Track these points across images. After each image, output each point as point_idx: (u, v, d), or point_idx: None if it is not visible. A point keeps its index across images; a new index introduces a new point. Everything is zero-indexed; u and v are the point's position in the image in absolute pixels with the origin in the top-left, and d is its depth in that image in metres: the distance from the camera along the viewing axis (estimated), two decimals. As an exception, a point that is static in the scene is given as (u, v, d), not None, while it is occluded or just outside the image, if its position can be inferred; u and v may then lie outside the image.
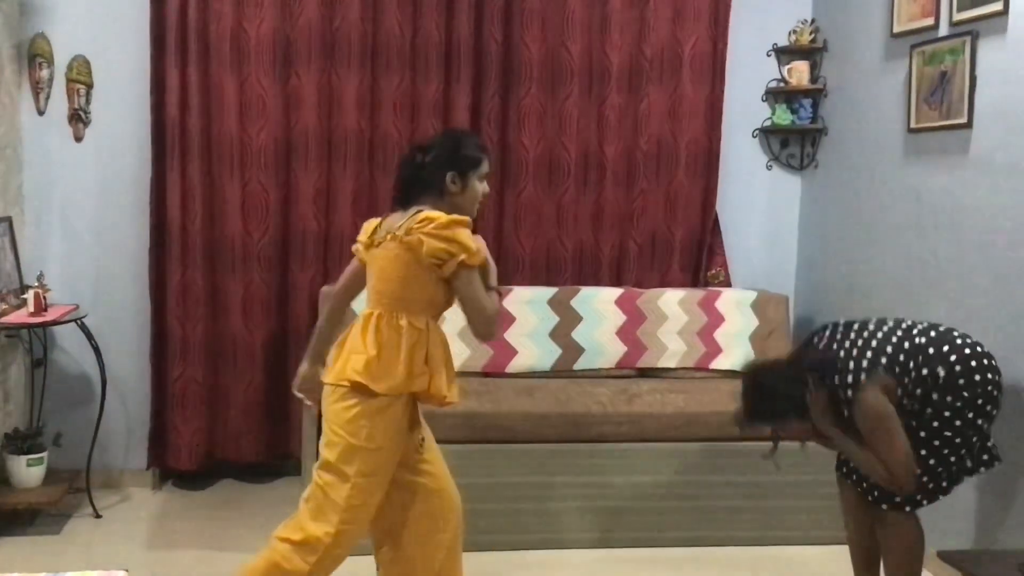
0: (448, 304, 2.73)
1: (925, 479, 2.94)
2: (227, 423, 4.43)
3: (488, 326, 2.68)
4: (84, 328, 4.10)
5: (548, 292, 4.47)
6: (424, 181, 2.71)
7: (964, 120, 3.64)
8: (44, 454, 4.07)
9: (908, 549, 3.03)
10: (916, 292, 3.96)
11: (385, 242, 2.68)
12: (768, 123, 4.85)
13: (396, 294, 2.67)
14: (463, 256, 2.58)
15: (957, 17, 3.69)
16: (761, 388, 3.00)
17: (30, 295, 3.91)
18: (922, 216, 3.94)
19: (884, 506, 3.00)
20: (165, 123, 4.28)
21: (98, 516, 4.10)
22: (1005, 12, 3.43)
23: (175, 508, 4.28)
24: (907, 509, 2.99)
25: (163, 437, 4.42)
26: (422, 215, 2.62)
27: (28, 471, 4.00)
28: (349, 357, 2.65)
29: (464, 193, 2.73)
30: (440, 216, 2.60)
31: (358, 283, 2.89)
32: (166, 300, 4.35)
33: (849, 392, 2.92)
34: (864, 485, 3.09)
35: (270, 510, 4.19)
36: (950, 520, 3.70)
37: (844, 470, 3.21)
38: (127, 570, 2.47)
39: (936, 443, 2.91)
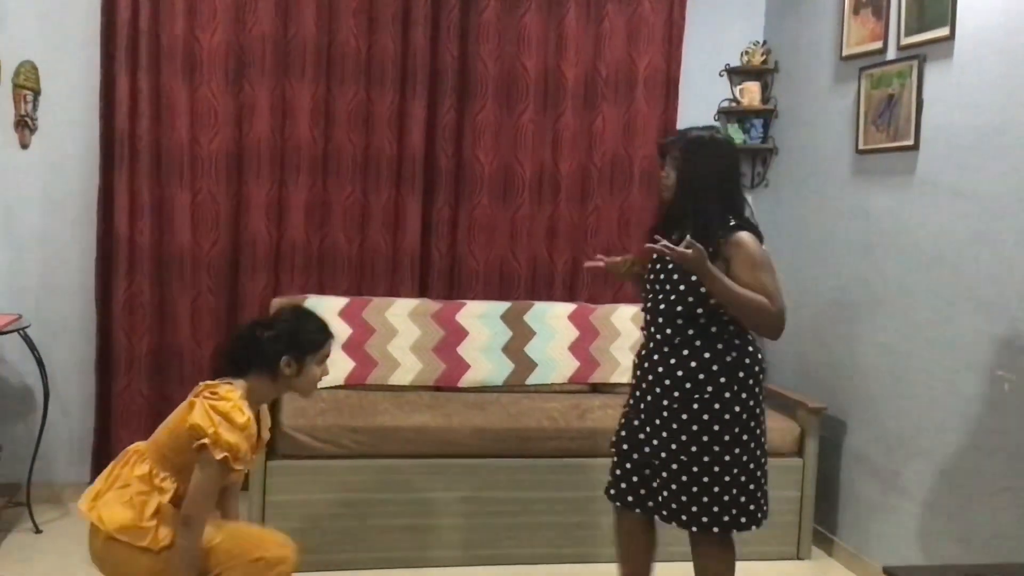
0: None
1: (737, 493, 2.84)
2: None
3: (192, 513, 2.47)
4: (27, 338, 3.99)
5: (501, 306, 4.45)
6: (259, 358, 2.58)
7: (911, 142, 3.70)
8: (-18, 467, 3.96)
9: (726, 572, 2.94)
10: (862, 310, 4.01)
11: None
12: (720, 142, 4.88)
13: (160, 441, 2.59)
14: (207, 440, 2.42)
15: (905, 41, 3.75)
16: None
17: (-30, 304, 3.81)
18: (869, 235, 3.99)
19: (694, 528, 2.85)
20: (114, 131, 4.20)
21: (38, 531, 3.99)
22: (952, 37, 3.50)
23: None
24: (715, 530, 2.85)
25: (107, 451, 4.31)
26: (219, 387, 2.50)
27: (-35, 485, 3.90)
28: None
29: (299, 376, 2.61)
30: (229, 399, 2.47)
31: None
32: (112, 311, 4.26)
33: (721, 234, 2.79)
34: (664, 513, 2.90)
35: (216, 525, 4.12)
36: (895, 536, 3.74)
37: (630, 498, 2.98)
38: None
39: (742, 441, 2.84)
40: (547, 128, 4.62)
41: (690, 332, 2.83)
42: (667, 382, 2.84)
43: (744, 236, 2.80)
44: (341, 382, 4.19)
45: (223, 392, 2.50)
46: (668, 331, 2.85)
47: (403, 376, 4.27)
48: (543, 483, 3.86)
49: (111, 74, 4.18)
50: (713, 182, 2.82)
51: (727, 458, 2.82)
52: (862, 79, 4.00)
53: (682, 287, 2.82)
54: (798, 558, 4.05)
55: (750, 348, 2.87)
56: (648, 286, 2.95)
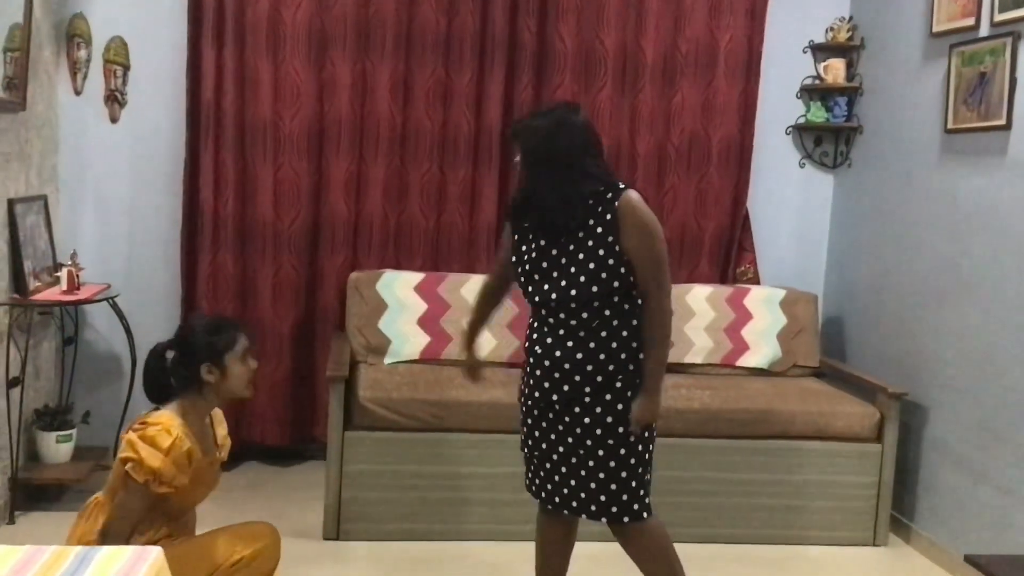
0: (163, 515, 2.55)
1: (645, 475, 2.78)
2: (253, 406, 4.43)
3: (110, 530, 2.47)
4: (115, 307, 4.12)
5: (576, 284, 4.44)
6: (178, 377, 2.58)
7: (1003, 122, 3.58)
8: (73, 431, 4.10)
9: (666, 551, 2.84)
10: (948, 295, 3.92)
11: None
12: (802, 120, 4.80)
13: (112, 486, 2.57)
14: (130, 466, 2.43)
15: (999, 18, 3.63)
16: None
17: (63, 273, 3.94)
18: (956, 218, 3.89)
19: (626, 519, 2.75)
20: (200, 106, 4.29)
21: (124, 494, 4.12)
22: (1049, 13, 3.38)
23: (200, 488, 4.29)
24: (645, 515, 2.78)
25: (190, 418, 4.45)
26: (148, 415, 2.49)
27: (57, 447, 4.04)
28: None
29: (226, 380, 2.60)
30: (157, 423, 2.46)
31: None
32: (196, 282, 4.38)
33: (610, 195, 2.65)
34: (592, 509, 2.76)
35: (293, 494, 4.21)
36: (976, 525, 3.66)
37: (557, 500, 2.83)
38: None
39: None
40: (624, 106, 4.59)
41: (606, 312, 2.69)
42: (589, 368, 2.68)
43: (634, 197, 2.66)
44: (416, 356, 4.25)
45: (151, 419, 2.49)
46: (584, 315, 2.68)
47: (477, 352, 4.29)
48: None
49: (198, 50, 4.28)
50: (557, 160, 2.66)
51: (646, 435, 2.77)
52: (952, 56, 3.88)
53: (591, 265, 2.64)
54: (874, 544, 3.99)
55: (637, 328, 2.73)
56: (533, 271, 2.74)
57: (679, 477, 3.88)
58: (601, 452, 2.72)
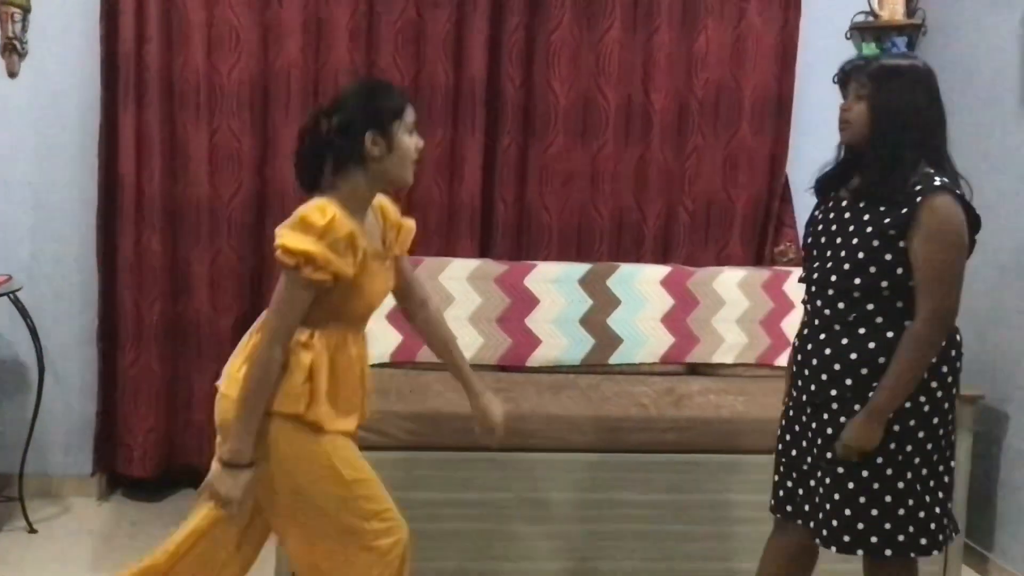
0: (330, 314, 2.62)
1: (914, 506, 2.74)
2: (189, 422, 4.44)
3: (267, 323, 2.57)
4: (17, 303, 4.10)
5: (579, 269, 4.44)
6: (338, 153, 2.59)
7: (1098, 65, 3.57)
8: (-32, 455, 4.08)
9: None
10: (1032, 276, 3.91)
11: None
12: (852, 66, 4.78)
13: None
14: (279, 253, 2.50)
15: (1092, -63, 3.60)
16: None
17: (-47, 263, 3.91)
18: (1042, 183, 3.88)
19: (888, 552, 2.73)
20: (118, 57, 4.27)
21: (32, 531, 4.11)
22: None
23: (125, 523, 4.28)
24: (912, 555, 2.77)
25: (112, 437, 4.43)
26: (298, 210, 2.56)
27: (-51, 475, 4.02)
28: None
29: (392, 154, 2.60)
30: (300, 211, 2.53)
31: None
32: (117, 272, 4.36)
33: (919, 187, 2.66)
34: (845, 540, 2.76)
35: (239, 527, 4.19)
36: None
37: (790, 508, 2.95)
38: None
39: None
40: (636, 49, 4.58)
41: (869, 308, 2.73)
42: (836, 367, 2.75)
43: (944, 203, 2.64)
44: (387, 359, 4.23)
45: (302, 209, 2.53)
46: (840, 306, 2.76)
47: (461, 352, 4.29)
48: (630, 483, 3.84)
49: (113, -13, 4.25)
50: (911, 121, 2.72)
51: (900, 460, 2.72)
52: (1036, -14, 3.87)
53: (860, 254, 2.71)
54: (944, 579, 4.00)
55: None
56: (812, 251, 2.88)
57: (709, 501, 3.86)
58: (866, 473, 2.72)
